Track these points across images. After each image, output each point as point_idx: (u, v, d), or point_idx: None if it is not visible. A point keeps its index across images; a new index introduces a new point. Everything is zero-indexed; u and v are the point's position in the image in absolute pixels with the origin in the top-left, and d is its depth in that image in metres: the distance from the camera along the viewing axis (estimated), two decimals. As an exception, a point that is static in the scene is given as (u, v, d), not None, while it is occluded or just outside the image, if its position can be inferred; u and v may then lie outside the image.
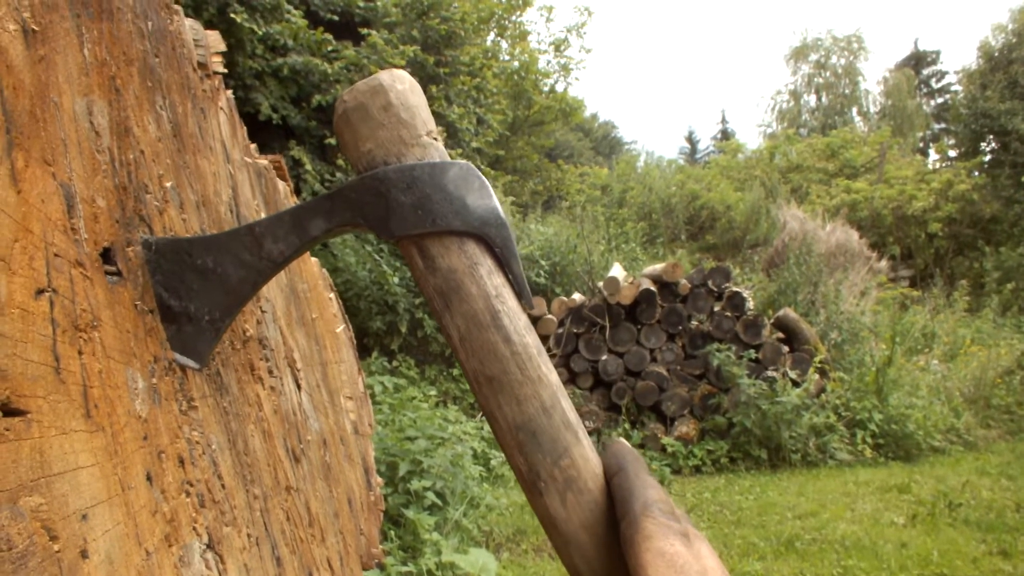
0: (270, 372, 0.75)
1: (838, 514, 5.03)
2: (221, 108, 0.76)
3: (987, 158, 19.42)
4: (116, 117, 0.56)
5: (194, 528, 0.53)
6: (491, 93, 11.02)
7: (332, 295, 1.06)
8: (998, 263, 15.82)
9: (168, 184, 0.61)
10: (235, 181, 0.76)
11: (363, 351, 8.05)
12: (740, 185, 18.01)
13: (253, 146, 0.95)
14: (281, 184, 0.90)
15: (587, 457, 0.47)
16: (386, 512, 4.33)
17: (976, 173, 19.03)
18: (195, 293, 0.53)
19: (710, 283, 7.45)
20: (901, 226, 18.41)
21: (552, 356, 7.53)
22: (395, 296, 7.56)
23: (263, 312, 0.78)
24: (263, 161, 0.92)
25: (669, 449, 6.75)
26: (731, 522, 5.04)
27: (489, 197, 0.48)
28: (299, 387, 0.83)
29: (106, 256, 0.51)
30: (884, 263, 13.48)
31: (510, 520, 5.17)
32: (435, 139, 0.51)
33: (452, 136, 9.44)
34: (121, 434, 0.47)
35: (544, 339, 7.60)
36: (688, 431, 6.95)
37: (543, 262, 8.55)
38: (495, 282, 0.48)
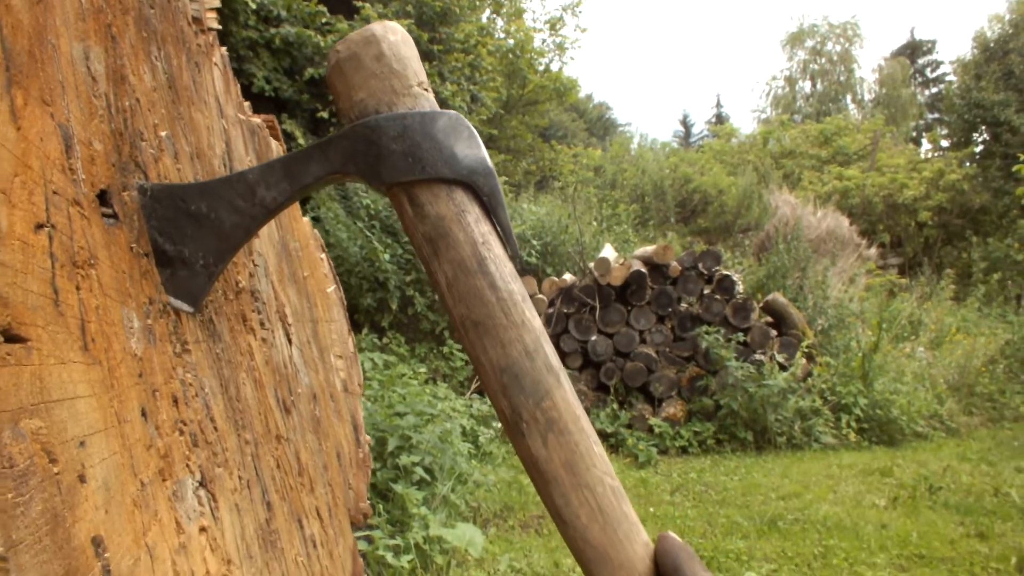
0: (262, 324, 0.76)
1: (821, 496, 5.11)
2: (215, 64, 0.77)
3: (979, 149, 19.50)
4: (112, 64, 0.56)
5: (187, 465, 0.55)
6: (486, 71, 10.93)
7: (323, 255, 1.09)
8: (985, 253, 15.96)
9: (163, 133, 0.62)
10: (229, 136, 0.77)
11: (353, 328, 8.04)
12: (733, 169, 18.02)
13: (247, 104, 0.94)
14: (274, 143, 0.91)
15: (568, 400, 0.49)
16: (375, 486, 4.36)
17: (967, 163, 19.12)
18: (189, 238, 0.54)
19: (700, 266, 7.48)
20: (891, 214, 18.51)
21: (542, 336, 7.56)
22: (386, 273, 7.54)
23: (255, 266, 0.79)
24: (256, 120, 0.92)
25: (656, 430, 6.81)
26: (716, 501, 5.11)
27: (478, 147, 0.49)
28: (290, 341, 0.84)
29: (102, 198, 0.52)
30: (873, 250, 13.57)
31: (498, 496, 5.21)
32: (426, 90, 0.51)
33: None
34: (117, 369, 0.48)
35: (534, 319, 7.62)
36: (675, 412, 7.01)
37: (535, 242, 8.54)
38: (482, 230, 0.49)
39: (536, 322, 0.50)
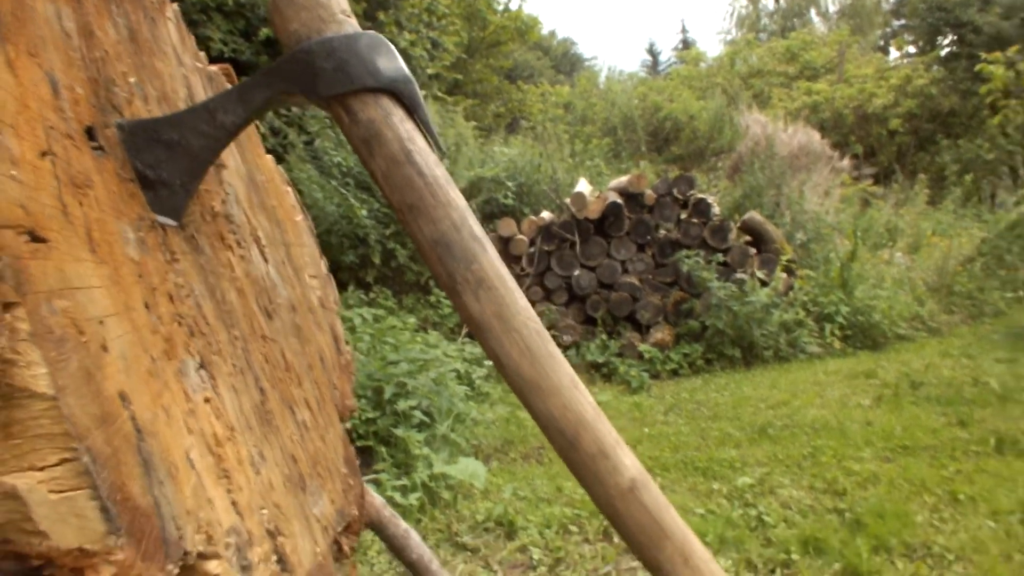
0: (238, 243, 0.84)
1: (808, 401, 5.28)
2: (168, 18, 0.84)
3: (944, 52, 19.43)
4: (80, 21, 0.64)
5: (188, 350, 0.64)
6: (443, 15, 10.68)
7: (289, 188, 1.16)
8: (957, 156, 16.09)
9: (132, 80, 0.70)
10: (189, 82, 0.84)
11: (339, 286, 8.03)
12: (702, 94, 17.88)
13: (202, 54, 0.99)
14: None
15: (492, 262, 0.56)
16: (376, 433, 4.45)
17: (934, 67, 19.07)
18: (165, 163, 0.62)
19: (675, 192, 7.51)
20: (862, 124, 18.53)
21: (525, 275, 7.61)
22: (365, 228, 7.51)
23: (227, 194, 0.87)
24: (213, 68, 0.99)
25: (646, 356, 6.94)
26: (708, 416, 5.27)
27: (396, 59, 0.56)
28: (266, 260, 0.93)
29: (89, 134, 0.60)
30: (846, 162, 13.63)
31: (497, 432, 5.33)
32: (348, 16, 0.58)
33: (406, 64, 9.19)
34: (120, 269, 0.57)
35: (516, 259, 7.65)
36: (663, 337, 7.14)
37: (509, 183, 8.50)
38: (407, 127, 0.56)
39: (460, 201, 0.57)
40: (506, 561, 3.33)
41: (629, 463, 0.61)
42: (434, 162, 0.57)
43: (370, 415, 4.53)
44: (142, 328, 0.58)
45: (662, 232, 7.46)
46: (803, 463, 4.03)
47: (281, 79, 0.57)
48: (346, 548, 0.90)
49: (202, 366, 0.66)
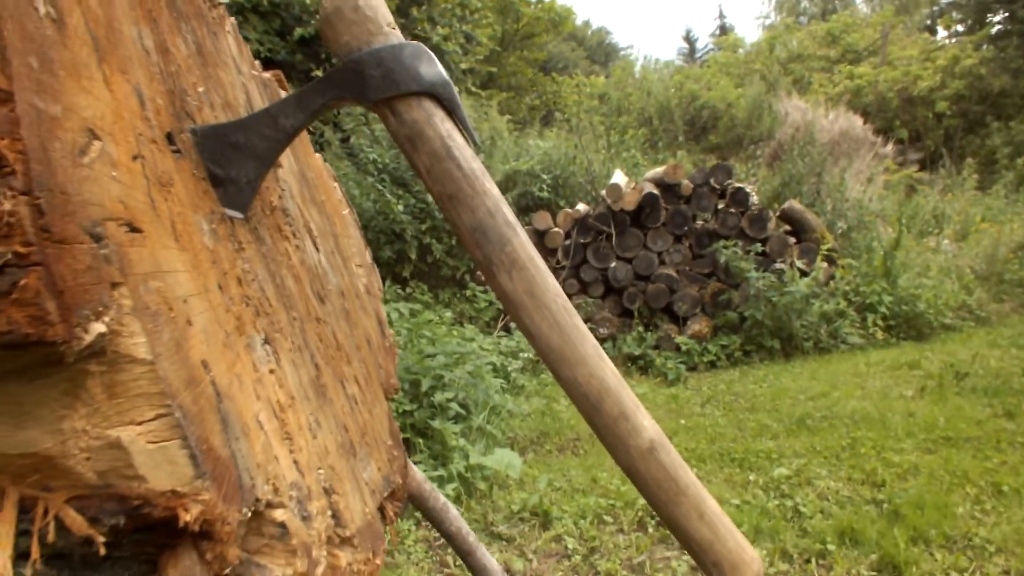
0: (293, 234, 0.93)
1: (848, 393, 5.20)
2: (228, 31, 0.92)
3: (995, 30, 18.75)
4: (157, 40, 0.73)
5: (254, 327, 0.73)
6: (476, 8, 10.71)
7: (336, 184, 1.26)
8: (1008, 138, 15.54)
9: (201, 89, 0.79)
10: (247, 89, 0.93)
11: (376, 280, 8.17)
12: (740, 81, 17.58)
13: (257, 63, 1.08)
14: (283, 92, 1.08)
15: (524, 245, 0.64)
16: (413, 425, 4.53)
17: (983, 46, 18.42)
18: (232, 163, 0.71)
19: (712, 181, 7.43)
20: (907, 108, 18.02)
21: (561, 268, 7.63)
22: (402, 224, 7.61)
23: (283, 190, 0.95)
24: (267, 75, 1.09)
25: (684, 347, 6.91)
26: (745, 408, 5.23)
27: (436, 65, 0.63)
28: (317, 249, 1.01)
29: (169, 139, 0.69)
30: (890, 147, 13.29)
31: (533, 425, 5.37)
32: (393, 28, 0.66)
33: (439, 60, 9.26)
34: (198, 256, 0.67)
35: (552, 252, 7.68)
36: (701, 329, 7.09)
37: (544, 176, 8.52)
38: (446, 126, 0.63)
39: (494, 191, 0.64)
40: (541, 551, 3.38)
41: (648, 425, 0.69)
42: (471, 156, 0.64)
43: (407, 407, 4.62)
44: (217, 307, 0.67)
45: (699, 222, 7.40)
46: (841, 454, 3.98)
47: (335, 86, 0.65)
48: (391, 513, 0.98)
49: (266, 342, 0.75)
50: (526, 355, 7.07)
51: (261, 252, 0.81)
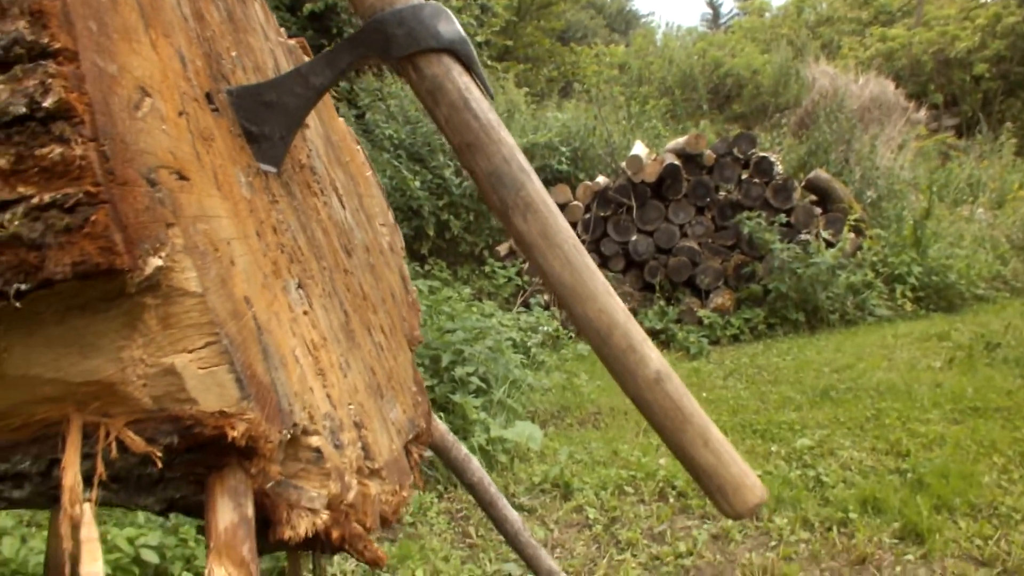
0: (321, 191, 0.99)
1: (874, 364, 5.11)
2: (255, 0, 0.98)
3: (1038, -14, 18.00)
4: (193, 7, 0.78)
5: (289, 271, 0.79)
6: (493, -22, 10.55)
7: (359, 147, 1.34)
8: (1049, 100, 15.00)
9: (234, 54, 0.83)
10: (275, 55, 0.98)
11: (396, 257, 8.19)
12: (766, 47, 17.16)
13: (282, 30, 1.14)
14: (307, 59, 1.11)
15: (537, 190, 0.69)
16: (434, 400, 4.54)
17: (1025, 4, 17.70)
18: (265, 120, 0.77)
19: (735, 151, 7.28)
20: (943, 71, 17.46)
21: (581, 242, 7.57)
22: (419, 200, 7.59)
23: (310, 150, 1.00)
24: (291, 42, 1.14)
25: (706, 321, 6.83)
26: (768, 381, 5.16)
27: (454, 23, 0.68)
28: (343, 206, 1.07)
29: (208, 99, 0.74)
30: (923, 113, 12.92)
31: (553, 399, 5.37)
32: None
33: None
34: (238, 204, 0.72)
35: (572, 226, 7.61)
36: (724, 302, 7.00)
37: (563, 149, 8.42)
38: (464, 80, 0.68)
39: (509, 139, 0.69)
40: (563, 521, 3.39)
41: (655, 357, 0.72)
42: (487, 108, 0.69)
43: (428, 383, 4.63)
44: (255, 251, 0.73)
45: (722, 194, 7.27)
46: (866, 425, 3.92)
47: (361, 45, 0.71)
48: (415, 456, 1.00)
49: (300, 286, 0.81)
50: (546, 329, 7.05)
51: (293, 205, 0.87)
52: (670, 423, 0.76)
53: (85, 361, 0.56)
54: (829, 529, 2.85)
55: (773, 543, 2.82)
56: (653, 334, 7.08)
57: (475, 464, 1.18)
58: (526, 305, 7.78)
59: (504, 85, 9.55)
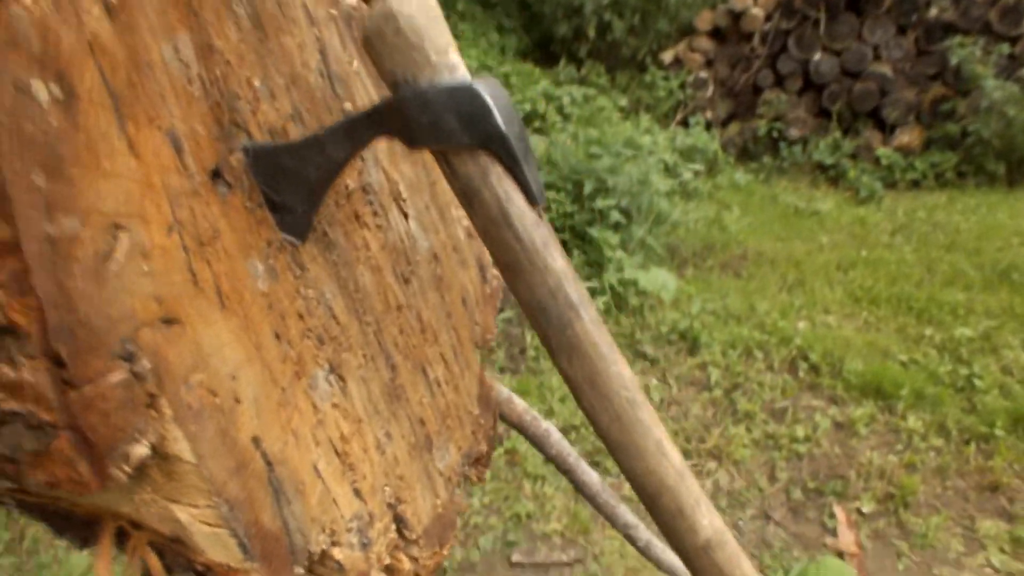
0: (375, 214, 0.82)
1: (1079, 241, 4.46)
2: None
3: None
4: (198, 41, 0.58)
5: (316, 361, 0.68)
6: None
7: None
8: None
9: (257, 83, 0.65)
10: (323, 43, 0.75)
11: (550, 60, 7.81)
12: None
13: None
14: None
15: (587, 330, 0.60)
16: (573, 227, 4.55)
17: None
18: (285, 189, 0.64)
19: (968, -44, 5.99)
20: None
21: (756, 57, 6.81)
22: (580, -4, 7.01)
23: (363, 161, 0.81)
24: (351, 2, 0.83)
25: (884, 161, 6.15)
26: (942, 245, 4.68)
27: (492, 116, 0.54)
28: (406, 216, 0.89)
29: (215, 175, 0.59)
30: None
31: (698, 236, 5.21)
32: (443, 55, 0.55)
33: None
34: (250, 311, 0.60)
35: (747, 37, 6.82)
36: (910, 141, 6.21)
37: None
38: (505, 187, 0.56)
39: (557, 264, 0.58)
40: (683, 377, 3.43)
41: (706, 523, 0.65)
42: (532, 224, 0.57)
43: (568, 209, 4.60)
44: (272, 362, 0.61)
45: (933, 11, 6.12)
46: (1046, 322, 3.52)
47: (382, 123, 0.59)
48: (475, 478, 0.98)
49: (331, 371, 0.70)
50: (703, 153, 6.65)
51: (330, 261, 0.72)
52: None
53: (105, 494, 0.53)
54: (967, 442, 2.68)
55: (900, 446, 2.70)
56: (821, 168, 6.51)
57: (555, 437, 1.17)
58: (685, 123, 7.30)
59: None
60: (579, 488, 1.26)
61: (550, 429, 1.20)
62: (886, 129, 6.38)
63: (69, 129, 0.45)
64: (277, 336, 0.63)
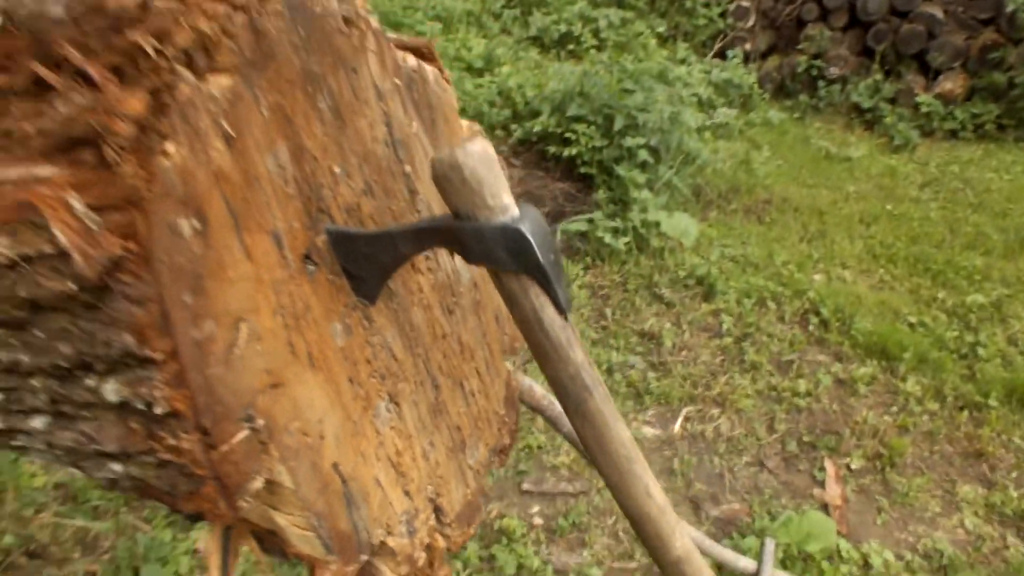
0: (427, 258, 0.90)
1: (1110, 207, 4.43)
2: (369, 49, 0.75)
3: None
4: (292, 146, 0.65)
5: (379, 395, 0.81)
6: None
7: (465, 123, 0.96)
8: None
9: (337, 169, 0.72)
10: (388, 115, 0.80)
11: (589, -22, 7.53)
12: None
13: (400, 55, 0.83)
14: (430, 71, 0.86)
15: (598, 407, 0.75)
16: (600, 162, 4.57)
17: None
18: (362, 267, 0.77)
19: None
20: None
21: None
22: (627, -88, 6.70)
23: (418, 212, 0.88)
24: (410, 64, 0.85)
25: (924, 108, 6.01)
26: (970, 204, 4.66)
27: (534, 253, 0.68)
28: (452, 253, 0.97)
29: (305, 260, 0.69)
30: None
31: (725, 177, 5.19)
32: (496, 199, 0.68)
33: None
34: (331, 365, 0.73)
35: (797, -32, 6.55)
36: (953, 88, 6.05)
37: None
38: (540, 300, 0.71)
39: (577, 357, 0.74)
40: (696, 322, 3.54)
41: (679, 544, 0.83)
42: (559, 327, 0.72)
43: (597, 143, 4.60)
44: (348, 403, 0.74)
45: (999, -50, 5.83)
46: (1061, 293, 3.57)
47: (444, 239, 0.73)
48: (498, 465, 1.14)
49: (390, 400, 0.83)
50: (739, 88, 6.52)
51: (391, 310, 0.83)
52: None
53: None
54: (961, 409, 2.79)
55: (896, 408, 2.82)
56: (858, 110, 6.38)
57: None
58: (721, 55, 7.12)
59: None
60: (587, 458, 1.42)
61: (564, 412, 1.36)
62: (929, 74, 6.20)
63: (205, 252, 0.55)
64: (351, 380, 0.76)
